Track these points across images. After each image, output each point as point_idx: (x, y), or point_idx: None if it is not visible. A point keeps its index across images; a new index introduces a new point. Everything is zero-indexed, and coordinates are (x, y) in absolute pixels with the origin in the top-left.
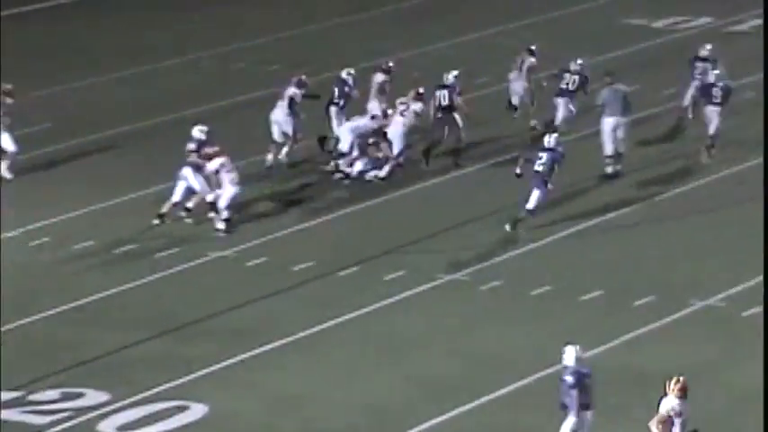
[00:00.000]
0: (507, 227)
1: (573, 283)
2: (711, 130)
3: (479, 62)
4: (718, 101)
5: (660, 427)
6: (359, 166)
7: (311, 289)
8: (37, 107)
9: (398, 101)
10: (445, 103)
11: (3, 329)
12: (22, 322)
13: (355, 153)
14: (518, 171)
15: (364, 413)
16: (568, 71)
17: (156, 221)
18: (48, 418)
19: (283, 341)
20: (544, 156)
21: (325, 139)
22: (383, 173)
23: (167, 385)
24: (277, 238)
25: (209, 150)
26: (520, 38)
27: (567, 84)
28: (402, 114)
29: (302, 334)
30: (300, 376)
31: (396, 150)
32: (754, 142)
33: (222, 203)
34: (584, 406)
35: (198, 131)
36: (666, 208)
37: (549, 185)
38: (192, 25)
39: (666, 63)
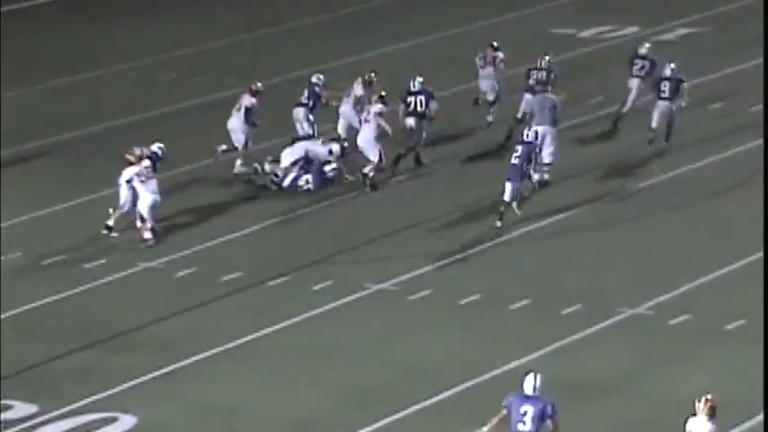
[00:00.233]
0: (498, 223)
1: (501, 292)
2: (654, 123)
3: (405, 73)
4: (668, 95)
5: None
6: (290, 177)
7: (240, 299)
8: None
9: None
10: (421, 109)
11: None
12: None
13: (294, 169)
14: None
15: (293, 423)
16: (536, 68)
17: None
18: None
19: (212, 352)
20: (520, 148)
21: (296, 141)
22: (369, 181)
23: (96, 397)
24: (206, 248)
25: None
26: (446, 48)
27: (536, 80)
28: (366, 120)
29: (231, 344)
30: (229, 387)
31: (373, 156)
32: (682, 149)
33: (145, 213)
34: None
35: (156, 148)
36: (594, 217)
37: (527, 178)
38: (120, 35)
39: (594, 72)
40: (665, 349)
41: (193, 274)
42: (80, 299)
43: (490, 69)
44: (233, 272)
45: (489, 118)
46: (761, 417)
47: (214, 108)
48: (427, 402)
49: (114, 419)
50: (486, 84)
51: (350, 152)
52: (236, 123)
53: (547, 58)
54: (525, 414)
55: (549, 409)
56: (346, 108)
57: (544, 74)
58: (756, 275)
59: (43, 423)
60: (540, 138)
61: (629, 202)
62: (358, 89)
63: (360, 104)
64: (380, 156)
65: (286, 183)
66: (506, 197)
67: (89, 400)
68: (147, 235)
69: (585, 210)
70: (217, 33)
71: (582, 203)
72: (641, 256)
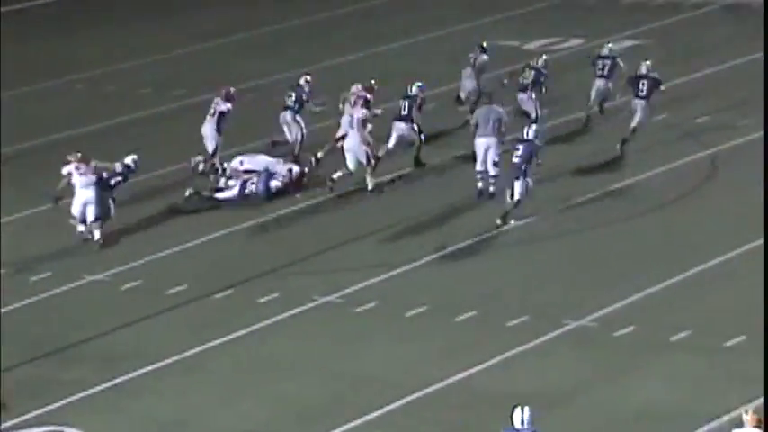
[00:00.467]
0: (498, 221)
1: (447, 304)
2: (634, 122)
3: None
4: (644, 94)
5: None
6: (235, 190)
7: (186, 312)
8: None
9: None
10: (405, 113)
11: None
12: None
13: (236, 182)
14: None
15: None
16: (528, 67)
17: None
18: None
19: (158, 365)
20: (521, 147)
21: (277, 144)
22: (370, 185)
23: (42, 410)
24: (151, 261)
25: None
26: (391, 60)
27: (527, 79)
28: (351, 127)
29: (177, 357)
30: (176, 400)
31: (363, 159)
32: (627, 161)
33: (78, 213)
34: None
35: (131, 160)
36: (539, 229)
37: (528, 177)
38: (64, 48)
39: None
40: (610, 361)
41: (139, 287)
42: (26, 312)
43: (470, 70)
44: (179, 284)
45: (469, 117)
46: (707, 427)
47: (161, 120)
48: (375, 414)
49: None
50: (470, 83)
51: (308, 178)
52: (208, 129)
53: (544, 57)
54: None
55: None
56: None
57: (534, 73)
58: (701, 286)
59: None
60: (484, 150)
61: (572, 214)
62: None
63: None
64: (368, 158)
65: (232, 193)
66: (516, 197)
67: (35, 413)
68: (97, 235)
69: (530, 222)
70: (166, 45)
71: (527, 216)
72: (586, 267)
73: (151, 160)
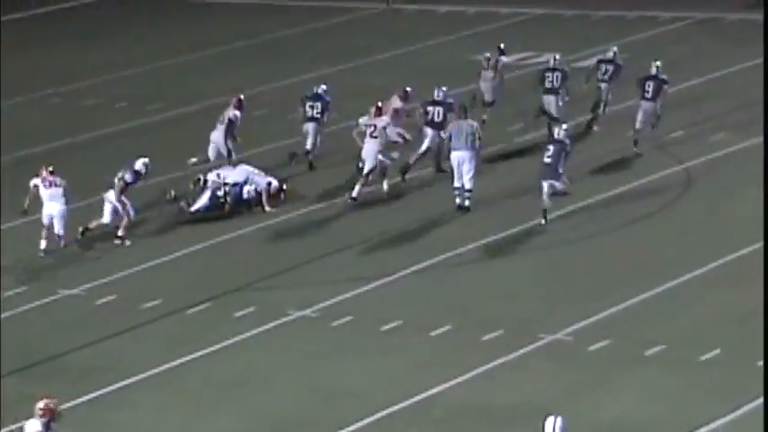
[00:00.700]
0: (542, 221)
1: (422, 318)
2: (638, 124)
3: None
4: (650, 96)
5: None
6: (205, 198)
7: (161, 327)
8: None
9: (361, 121)
10: (438, 119)
11: None
12: None
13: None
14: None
15: None
16: (549, 69)
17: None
18: None
19: (134, 379)
20: (552, 147)
21: (295, 156)
22: (355, 193)
23: (18, 425)
24: (126, 275)
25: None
26: (367, 74)
27: (552, 81)
28: (372, 136)
29: (153, 372)
30: (152, 414)
31: (366, 168)
32: (599, 176)
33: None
34: None
35: (141, 164)
36: (514, 243)
37: (562, 178)
38: (39, 62)
39: (512, 99)
40: (584, 375)
41: (114, 302)
42: (1, 327)
43: (491, 72)
44: (153, 299)
45: (484, 117)
46: None
47: (135, 134)
48: (350, 429)
49: None
50: (486, 85)
51: (286, 196)
52: (218, 136)
53: (557, 56)
54: None
55: None
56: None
57: (559, 75)
58: (675, 300)
59: None
60: (458, 164)
61: (546, 229)
62: (396, 102)
63: (398, 118)
64: (371, 170)
65: (203, 202)
66: (544, 197)
67: (12, 427)
68: (62, 243)
69: (506, 236)
70: (143, 59)
71: (502, 230)
72: (561, 281)
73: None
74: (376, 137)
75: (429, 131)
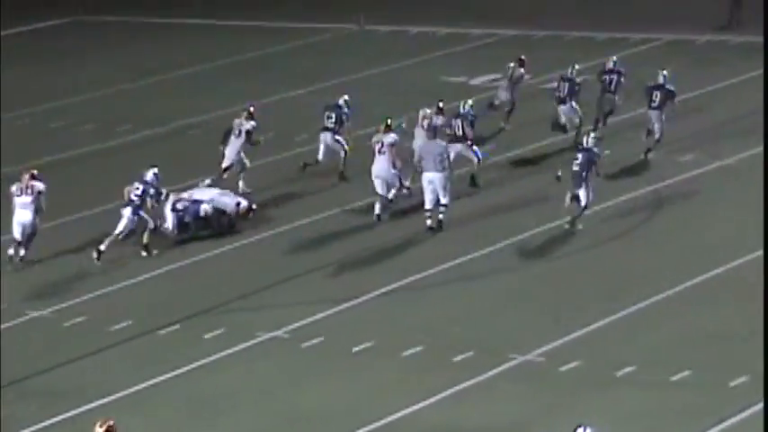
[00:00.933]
0: (566, 226)
1: (393, 340)
2: (656, 134)
3: (297, 120)
4: (657, 105)
5: None
6: (171, 222)
7: (130, 348)
8: None
9: (374, 139)
10: (460, 133)
11: None
12: None
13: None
14: (558, 174)
15: None
16: (561, 79)
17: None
18: None
19: (103, 401)
20: (580, 156)
21: (308, 166)
22: (377, 210)
23: None
24: (95, 296)
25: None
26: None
27: (561, 91)
28: (380, 152)
29: (123, 393)
30: None
31: (393, 182)
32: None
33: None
34: None
35: (151, 174)
36: (485, 264)
37: (590, 184)
38: (5, 84)
39: (484, 120)
40: (555, 396)
41: (83, 323)
42: None
43: (508, 82)
44: (123, 320)
45: (502, 124)
46: None
47: (103, 156)
48: None
49: None
50: (503, 94)
51: (255, 216)
52: (233, 149)
53: (576, 67)
54: None
55: None
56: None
57: (567, 85)
58: (646, 321)
59: None
60: (430, 185)
61: (517, 249)
62: (436, 119)
63: (433, 131)
64: (401, 181)
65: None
66: (583, 203)
67: None
68: (21, 252)
69: (476, 257)
70: (110, 81)
71: (472, 251)
72: (532, 302)
73: (94, 196)
74: (384, 153)
75: (458, 146)
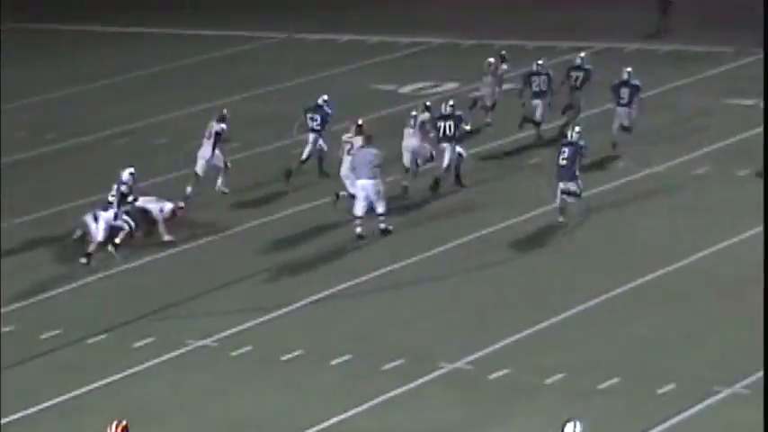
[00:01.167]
0: (560, 219)
1: (323, 348)
2: (615, 130)
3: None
4: (626, 101)
5: None
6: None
7: (59, 357)
8: None
9: (344, 139)
10: (450, 133)
11: None
12: None
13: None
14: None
15: None
16: (534, 73)
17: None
18: None
19: (33, 410)
20: (566, 150)
21: (291, 174)
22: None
23: None
24: (25, 306)
25: None
26: (269, 103)
27: (539, 85)
28: (349, 153)
29: (51, 403)
30: None
31: (426, 155)
32: (494, 205)
33: None
34: None
35: (127, 174)
36: (414, 272)
37: (578, 176)
38: None
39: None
40: (485, 403)
41: (13, 333)
42: None
43: (491, 78)
44: (52, 329)
45: (488, 119)
46: None
47: (34, 163)
48: None
49: None
50: (486, 90)
51: (183, 214)
52: (207, 151)
53: (540, 62)
54: None
55: None
56: (412, 140)
57: (545, 78)
58: (575, 329)
59: None
60: (363, 193)
61: (446, 257)
62: (423, 116)
63: (424, 131)
64: (431, 155)
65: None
66: (576, 192)
67: None
68: None
69: (405, 265)
70: (40, 88)
71: (401, 258)
72: (461, 310)
73: (24, 204)
74: (353, 154)
75: (446, 146)
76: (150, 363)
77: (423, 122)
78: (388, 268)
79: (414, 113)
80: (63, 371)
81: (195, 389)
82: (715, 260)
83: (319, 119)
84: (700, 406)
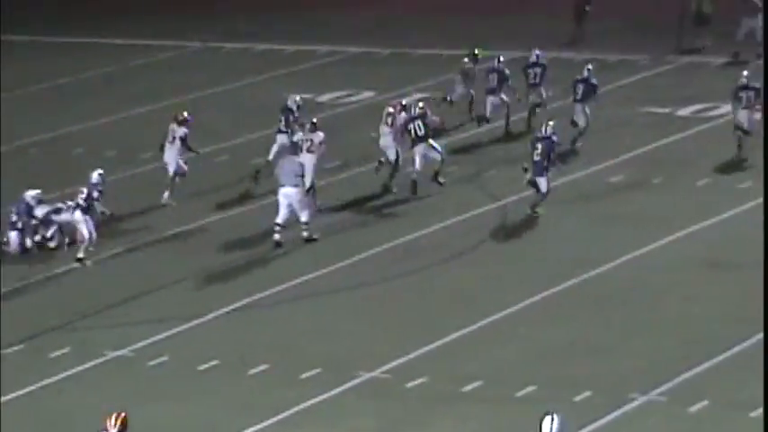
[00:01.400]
0: (529, 210)
1: (240, 358)
2: (581, 123)
3: (141, 138)
4: (579, 98)
5: None
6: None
7: None
8: None
9: (302, 137)
10: (421, 133)
11: None
12: None
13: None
14: (524, 166)
15: None
16: (492, 70)
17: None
18: None
19: None
20: (540, 145)
21: (259, 173)
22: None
23: None
24: None
25: None
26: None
27: (491, 81)
28: (309, 151)
29: None
30: None
31: (307, 183)
32: (415, 214)
33: None
34: None
35: (96, 175)
36: (331, 281)
37: (549, 171)
38: None
39: (332, 136)
40: (402, 412)
41: None
42: None
43: (461, 77)
44: None
45: (473, 118)
46: None
47: None
48: None
49: None
50: (460, 88)
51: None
52: (171, 155)
53: (501, 59)
54: None
55: None
56: (389, 139)
57: (496, 76)
58: (491, 337)
59: None
60: (286, 200)
61: (362, 267)
62: (400, 118)
63: (396, 132)
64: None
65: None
66: (543, 189)
67: None
68: None
69: (322, 274)
70: None
71: (319, 267)
72: (378, 319)
73: None
74: (313, 152)
75: (418, 147)
76: (66, 373)
77: (402, 123)
78: (309, 276)
79: (390, 110)
80: None
81: (111, 399)
82: (631, 268)
83: (283, 120)
84: (616, 413)
